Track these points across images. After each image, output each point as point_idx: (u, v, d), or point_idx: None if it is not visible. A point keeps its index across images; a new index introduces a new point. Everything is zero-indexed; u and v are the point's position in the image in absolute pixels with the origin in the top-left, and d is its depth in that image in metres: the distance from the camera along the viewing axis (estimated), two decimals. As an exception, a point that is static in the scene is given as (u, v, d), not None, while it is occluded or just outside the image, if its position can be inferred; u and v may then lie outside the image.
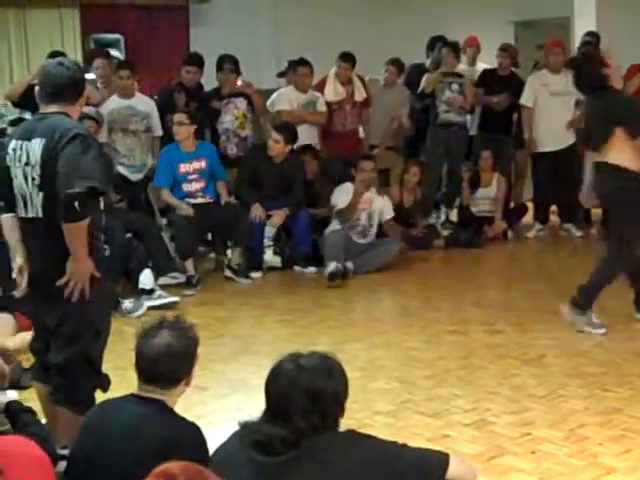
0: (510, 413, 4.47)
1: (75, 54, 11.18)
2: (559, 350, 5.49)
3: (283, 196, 7.86)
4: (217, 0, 12.85)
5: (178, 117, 7.66)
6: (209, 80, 8.89)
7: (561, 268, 7.96)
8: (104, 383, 3.84)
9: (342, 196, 7.87)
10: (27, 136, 3.70)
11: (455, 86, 9.01)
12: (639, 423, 4.28)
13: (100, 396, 3.76)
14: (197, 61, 8.59)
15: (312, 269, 7.88)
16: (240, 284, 7.53)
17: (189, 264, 7.41)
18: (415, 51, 10.60)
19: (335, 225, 7.78)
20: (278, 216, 7.82)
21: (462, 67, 9.60)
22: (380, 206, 7.99)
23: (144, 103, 8.14)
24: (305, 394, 2.62)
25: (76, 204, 3.49)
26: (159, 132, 8.17)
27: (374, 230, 8.01)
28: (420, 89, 9.17)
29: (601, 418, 4.37)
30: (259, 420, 2.69)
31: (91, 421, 3.06)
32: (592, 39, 9.45)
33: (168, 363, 2.98)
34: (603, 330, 5.76)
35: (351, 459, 2.61)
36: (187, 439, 2.88)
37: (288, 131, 7.89)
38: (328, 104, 8.59)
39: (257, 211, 7.69)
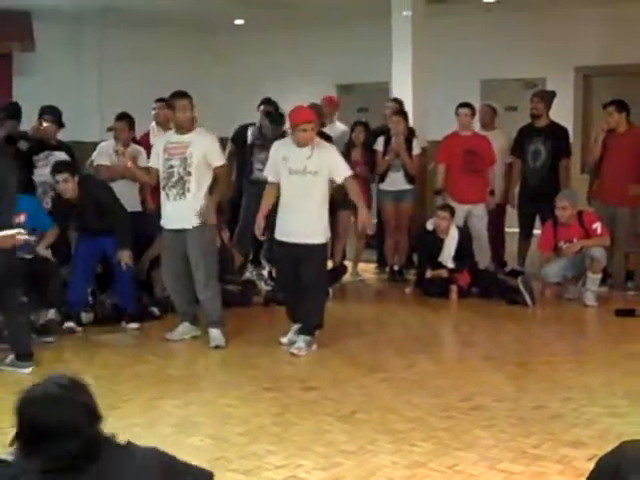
0: (321, 469, 4.56)
1: None
2: (370, 406, 5.64)
3: (106, 227, 7.69)
4: (42, 50, 12.72)
5: None
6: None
7: (376, 325, 8.20)
8: None
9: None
10: None
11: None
12: (441, 476, 4.46)
13: None
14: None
15: (134, 325, 7.80)
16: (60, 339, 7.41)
17: None
18: (240, 108, 10.82)
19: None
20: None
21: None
22: (204, 148, 7.17)
23: None
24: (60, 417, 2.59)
25: None
26: None
27: (195, 182, 7.14)
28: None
29: (407, 472, 4.53)
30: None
31: None
32: (396, 104, 9.92)
33: None
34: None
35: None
36: None
37: (66, 165, 7.80)
38: None
39: None
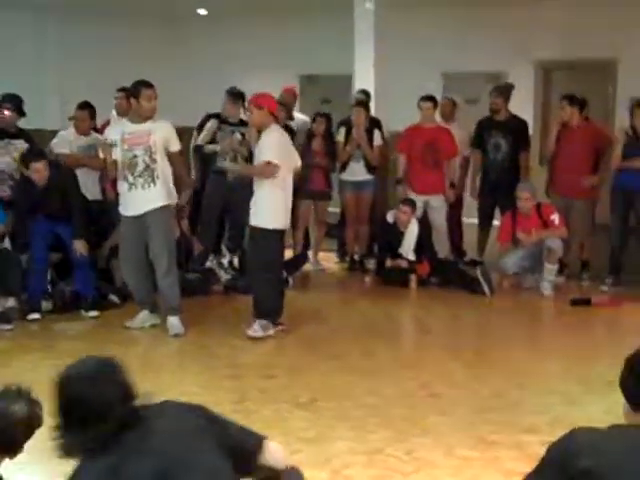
0: (279, 456, 4.62)
1: None
2: (329, 393, 5.70)
3: (64, 212, 7.68)
4: (3, 38, 12.63)
5: None
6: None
7: (336, 313, 8.26)
8: None
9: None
10: None
11: (237, 135, 9.14)
12: (398, 462, 4.54)
13: None
14: None
15: (93, 313, 7.80)
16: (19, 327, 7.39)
17: None
18: (204, 98, 10.79)
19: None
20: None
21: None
22: (165, 134, 7.28)
23: None
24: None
25: None
26: None
27: (160, 169, 7.24)
28: (198, 140, 9.31)
29: (364, 458, 4.60)
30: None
31: None
32: (363, 96, 9.99)
33: None
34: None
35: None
36: None
37: (37, 152, 7.77)
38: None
39: None
